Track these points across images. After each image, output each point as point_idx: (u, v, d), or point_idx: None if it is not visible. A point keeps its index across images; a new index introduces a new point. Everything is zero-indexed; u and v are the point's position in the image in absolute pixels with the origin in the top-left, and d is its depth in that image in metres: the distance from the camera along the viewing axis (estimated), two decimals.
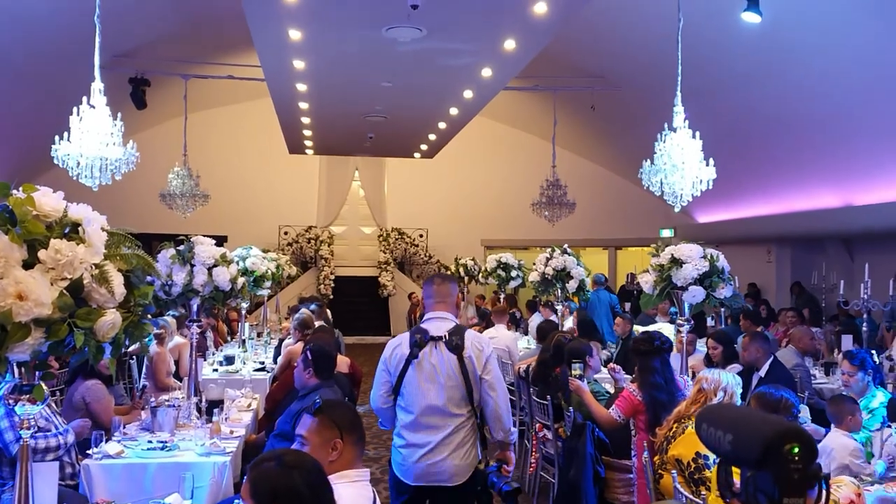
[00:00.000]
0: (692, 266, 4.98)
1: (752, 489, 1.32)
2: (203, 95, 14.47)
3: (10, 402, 2.28)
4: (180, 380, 6.62)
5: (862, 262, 9.15)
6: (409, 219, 18.13)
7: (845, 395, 4.41)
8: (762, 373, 5.63)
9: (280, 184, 17.46)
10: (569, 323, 9.04)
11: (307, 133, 13.03)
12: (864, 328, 7.37)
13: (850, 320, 9.17)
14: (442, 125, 11.99)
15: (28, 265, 2.10)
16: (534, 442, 5.78)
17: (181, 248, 4.98)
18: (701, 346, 7.19)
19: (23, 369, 2.25)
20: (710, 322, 9.35)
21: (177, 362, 7.00)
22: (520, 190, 16.09)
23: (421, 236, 18.36)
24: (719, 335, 6.53)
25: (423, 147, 14.27)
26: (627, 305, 12.04)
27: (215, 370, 7.36)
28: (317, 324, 7.17)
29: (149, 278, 2.48)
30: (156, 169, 13.09)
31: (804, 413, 4.59)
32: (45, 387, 2.35)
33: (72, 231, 2.21)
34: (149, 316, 2.49)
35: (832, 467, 3.84)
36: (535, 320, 10.08)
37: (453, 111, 10.89)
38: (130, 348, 2.43)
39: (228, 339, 10.02)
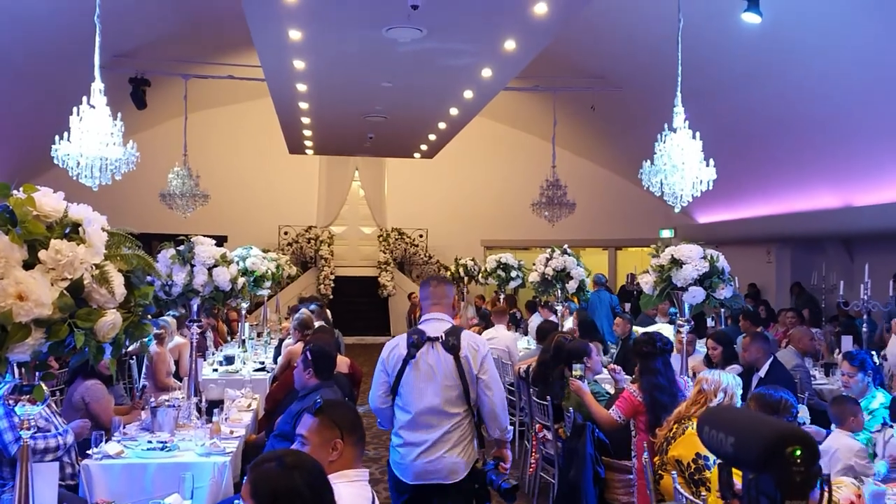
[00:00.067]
0: (692, 267, 4.98)
1: (754, 492, 1.32)
2: (203, 95, 14.47)
3: (11, 402, 2.28)
4: (180, 380, 6.62)
5: (862, 263, 9.15)
6: (409, 219, 18.14)
7: (848, 396, 4.40)
8: (762, 373, 5.63)
9: (280, 184, 17.46)
10: (569, 323, 9.03)
11: (307, 133, 13.03)
12: (864, 329, 7.37)
13: (849, 321, 9.16)
14: (442, 125, 11.99)
15: (28, 265, 2.10)
16: (534, 442, 5.78)
17: (181, 248, 4.98)
18: (701, 346, 7.19)
19: (23, 369, 2.25)
20: (710, 323, 9.35)
21: (177, 362, 7.00)
22: (520, 190, 16.08)
23: (421, 236, 18.36)
24: (719, 336, 6.53)
25: (423, 147, 14.27)
26: (627, 306, 12.04)
27: (215, 370, 7.36)
28: (316, 324, 7.17)
29: (149, 278, 2.48)
30: (156, 169, 13.09)
31: (803, 413, 4.59)
32: (45, 387, 2.35)
33: (72, 231, 2.21)
34: (149, 316, 2.49)
35: (836, 468, 3.83)
36: (534, 321, 10.08)
37: (453, 111, 10.89)
38: (130, 348, 2.42)
39: (228, 339, 10.02)
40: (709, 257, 5.06)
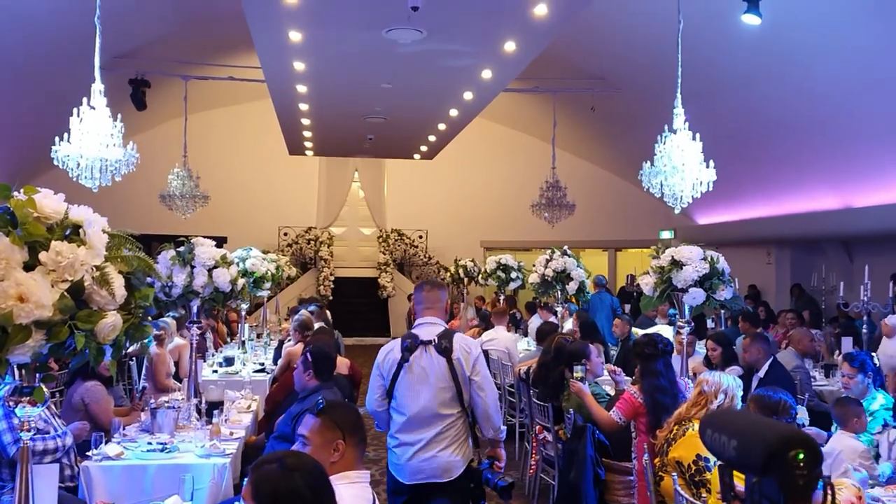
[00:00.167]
0: (692, 268, 4.98)
1: (757, 495, 1.32)
2: (203, 96, 14.47)
3: (11, 404, 2.28)
4: (180, 381, 6.61)
5: (861, 264, 9.15)
6: (409, 220, 18.13)
7: (850, 398, 4.40)
8: (761, 373, 5.63)
9: (280, 185, 17.46)
10: (568, 325, 9.03)
11: (307, 134, 13.03)
12: (864, 330, 7.36)
13: (849, 322, 9.16)
14: (442, 126, 12.00)
15: (29, 267, 2.10)
16: (534, 444, 5.78)
17: (181, 249, 4.98)
18: (700, 347, 7.19)
19: (23, 371, 2.25)
20: (710, 324, 9.35)
21: (176, 363, 6.99)
22: (519, 191, 16.08)
23: (420, 237, 18.36)
24: (719, 337, 6.53)
25: (423, 148, 14.28)
26: (627, 307, 12.04)
27: (215, 371, 7.36)
28: (316, 325, 7.17)
29: (149, 280, 2.48)
30: (156, 170, 13.09)
31: (802, 414, 4.59)
32: (45, 389, 2.34)
33: (73, 233, 2.21)
34: (149, 318, 2.48)
35: (840, 470, 3.83)
36: (534, 322, 10.08)
37: (453, 112, 10.90)
38: (130, 349, 2.42)
39: (228, 340, 10.01)
40: (709, 259, 5.06)
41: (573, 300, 9.84)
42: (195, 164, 13.39)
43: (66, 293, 2.11)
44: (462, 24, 7.22)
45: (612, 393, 5.19)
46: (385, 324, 17.21)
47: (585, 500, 4.48)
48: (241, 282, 5.49)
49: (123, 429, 4.65)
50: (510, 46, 7.78)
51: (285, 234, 17.73)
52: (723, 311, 8.89)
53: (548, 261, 8.20)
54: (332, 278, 17.31)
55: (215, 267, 5.00)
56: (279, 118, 11.80)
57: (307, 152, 15.20)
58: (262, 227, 16.94)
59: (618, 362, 7.33)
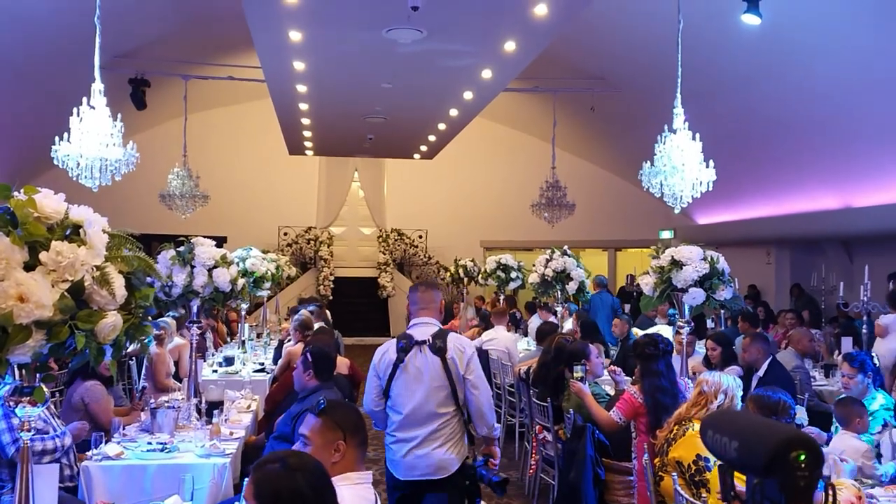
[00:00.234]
0: (692, 268, 4.98)
1: (758, 496, 1.32)
2: (203, 96, 14.47)
3: (11, 404, 2.28)
4: (180, 381, 6.61)
5: (861, 264, 9.15)
6: (409, 220, 18.13)
7: (852, 398, 4.41)
8: (761, 372, 5.64)
9: (280, 184, 17.46)
10: (568, 325, 9.03)
11: (307, 134, 13.03)
12: (864, 330, 7.36)
13: (849, 322, 9.15)
14: (442, 126, 12.00)
15: (29, 267, 2.10)
16: (534, 444, 5.77)
17: (181, 249, 4.98)
18: (700, 347, 7.19)
19: (23, 371, 2.25)
20: (710, 324, 9.35)
21: (176, 363, 6.99)
22: (519, 191, 16.09)
23: (420, 237, 18.36)
24: (718, 336, 6.53)
25: (423, 148, 14.27)
26: (627, 307, 12.04)
27: (215, 371, 7.35)
28: (316, 325, 7.17)
29: (149, 280, 2.48)
30: (155, 170, 13.08)
31: (801, 414, 4.59)
32: (45, 389, 2.34)
33: (73, 233, 2.21)
34: (149, 318, 2.48)
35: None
36: (534, 322, 10.08)
37: (453, 112, 10.89)
38: (130, 349, 2.42)
39: (228, 340, 10.01)
40: (709, 259, 5.05)
41: (573, 300, 9.83)
42: (195, 164, 13.38)
43: (66, 293, 2.11)
44: (462, 24, 7.22)
45: (612, 393, 5.19)
46: (385, 324, 17.21)
47: (585, 500, 4.48)
48: (241, 282, 5.49)
49: (123, 428, 4.65)
50: (510, 46, 7.77)
51: (285, 234, 17.73)
52: (722, 311, 8.88)
53: (548, 261, 8.20)
54: (331, 278, 17.31)
55: (215, 267, 5.00)
56: (279, 118, 11.80)
57: (307, 152, 15.20)
58: (261, 226, 16.94)
59: (617, 362, 7.32)
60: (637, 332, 7.88)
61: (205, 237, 5.21)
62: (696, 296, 5.00)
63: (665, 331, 7.01)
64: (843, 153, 10.59)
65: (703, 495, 3.38)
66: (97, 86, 6.19)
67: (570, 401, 4.98)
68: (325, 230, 18.03)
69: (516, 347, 8.37)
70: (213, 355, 8.24)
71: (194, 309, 5.16)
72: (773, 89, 10.40)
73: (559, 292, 8.28)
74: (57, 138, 6.42)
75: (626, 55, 11.62)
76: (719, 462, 1.56)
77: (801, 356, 6.90)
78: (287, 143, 14.05)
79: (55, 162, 6.48)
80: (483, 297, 14.86)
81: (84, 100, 6.14)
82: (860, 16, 8.27)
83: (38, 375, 2.28)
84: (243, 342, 8.36)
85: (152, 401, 4.93)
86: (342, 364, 5.72)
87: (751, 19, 7.87)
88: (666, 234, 16.20)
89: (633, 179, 8.46)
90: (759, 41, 9.20)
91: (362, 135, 12.73)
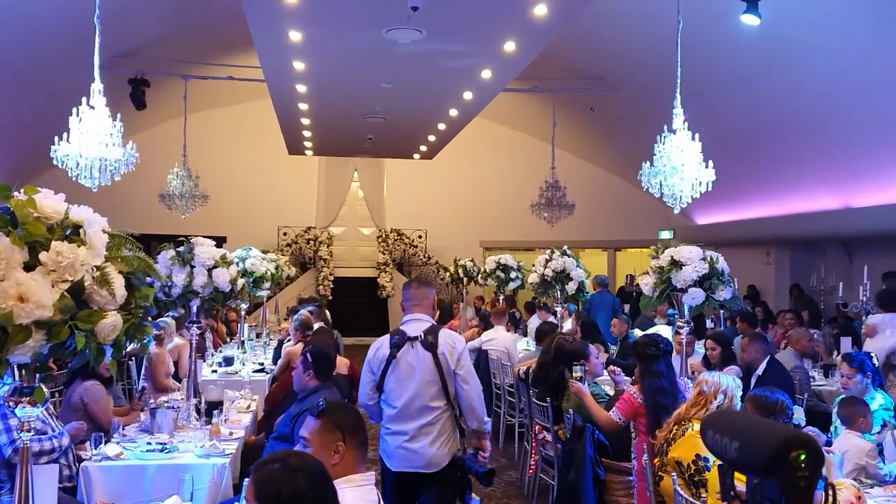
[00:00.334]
0: (692, 268, 4.98)
1: (759, 496, 1.32)
2: (203, 96, 14.46)
3: (11, 404, 2.27)
4: (179, 381, 6.61)
5: (861, 265, 9.16)
6: (408, 220, 18.13)
7: (856, 398, 4.42)
8: (759, 371, 5.64)
9: (279, 184, 17.45)
10: (568, 325, 9.03)
11: (307, 134, 13.02)
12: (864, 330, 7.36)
13: (848, 322, 9.15)
14: (441, 126, 12.00)
15: (29, 267, 2.10)
16: (533, 444, 5.78)
17: (181, 249, 4.98)
18: (699, 347, 7.19)
19: (23, 371, 2.25)
20: (709, 324, 9.35)
21: (176, 363, 6.99)
22: (519, 191, 16.09)
23: (420, 237, 18.36)
24: (717, 336, 6.54)
25: (423, 148, 14.27)
26: (626, 307, 12.04)
27: (214, 371, 7.35)
28: (315, 325, 7.17)
29: (149, 280, 2.47)
30: (155, 169, 13.07)
31: (798, 415, 4.60)
32: (45, 389, 2.34)
33: (73, 233, 2.21)
34: (149, 318, 2.48)
35: (847, 469, 3.84)
36: (533, 322, 10.08)
37: (453, 112, 10.89)
38: (129, 348, 2.42)
39: (227, 340, 10.01)
40: (708, 259, 5.05)
41: (573, 300, 9.83)
42: (195, 164, 13.38)
43: (66, 293, 2.11)
44: (462, 24, 7.22)
45: (612, 393, 5.19)
46: (384, 324, 17.19)
47: (585, 501, 4.48)
48: (240, 282, 5.49)
49: (123, 429, 4.65)
50: (510, 46, 7.78)
51: (285, 234, 17.73)
52: (722, 312, 8.88)
53: (547, 261, 8.20)
54: (331, 278, 17.31)
55: (215, 267, 5.00)
56: (279, 118, 11.80)
57: (307, 152, 15.19)
58: (261, 226, 16.93)
59: (615, 362, 7.32)
60: (638, 332, 7.88)
61: (204, 237, 5.21)
62: (695, 296, 5.00)
63: (665, 331, 7.02)
64: (843, 153, 10.59)
65: (703, 495, 3.39)
66: (97, 86, 6.19)
67: (570, 401, 4.98)
68: (325, 230, 18.02)
69: (516, 347, 8.37)
70: (212, 355, 8.23)
71: (194, 309, 5.16)
72: (772, 89, 10.40)
73: (559, 292, 8.28)
74: (56, 138, 6.41)
75: (626, 55, 11.62)
76: (718, 462, 1.56)
77: (801, 356, 6.90)
78: (287, 143, 14.05)
79: (55, 162, 6.48)
80: (483, 297, 14.86)
81: (84, 100, 6.13)
82: (860, 15, 8.27)
83: (37, 375, 2.28)
84: (243, 342, 8.36)
85: (152, 401, 4.93)
86: (342, 364, 5.72)
87: (750, 19, 7.87)
88: (665, 235, 16.20)
89: (632, 180, 8.46)
90: (759, 41, 9.20)
91: (362, 135, 12.72)
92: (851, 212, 11.09)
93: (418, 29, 7.14)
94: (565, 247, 8.31)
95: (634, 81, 12.40)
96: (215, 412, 4.99)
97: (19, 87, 10.87)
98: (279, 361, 6.95)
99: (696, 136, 6.54)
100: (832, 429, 4.68)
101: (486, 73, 8.79)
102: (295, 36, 7.53)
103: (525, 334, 10.37)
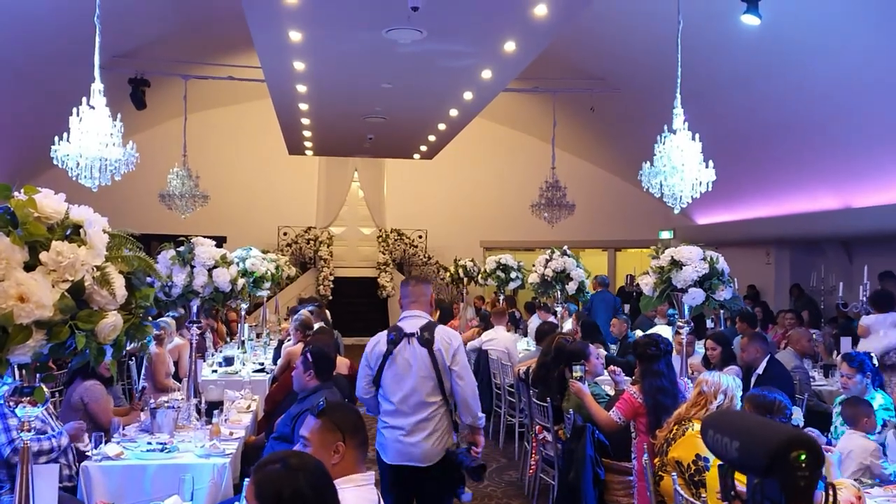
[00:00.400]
0: (692, 268, 4.98)
1: (759, 496, 1.32)
2: (203, 96, 14.46)
3: (11, 404, 2.27)
4: (180, 381, 6.61)
5: (861, 265, 9.16)
6: (409, 220, 18.14)
7: (859, 398, 4.43)
8: (759, 370, 5.64)
9: (279, 184, 17.46)
10: (568, 325, 9.03)
11: (307, 134, 13.02)
12: None
13: (848, 322, 9.15)
14: (441, 126, 12.00)
15: (29, 267, 2.09)
16: (533, 444, 5.78)
17: (181, 249, 4.98)
18: (700, 347, 7.19)
19: (23, 371, 2.25)
20: (709, 324, 9.35)
21: (176, 363, 6.99)
22: (519, 191, 16.09)
23: (420, 237, 18.36)
24: (717, 336, 6.54)
25: (423, 148, 14.27)
26: (626, 307, 12.04)
27: (214, 371, 7.35)
28: (316, 325, 7.17)
29: (149, 280, 2.48)
30: (155, 169, 13.07)
31: (797, 415, 4.60)
32: (45, 389, 2.34)
33: (73, 233, 2.21)
34: (150, 318, 2.48)
35: (851, 469, 3.85)
36: (533, 322, 10.08)
37: (453, 112, 10.89)
38: (129, 347, 2.42)
39: (228, 340, 10.01)
40: (708, 259, 5.06)
41: (573, 300, 9.83)
42: (195, 164, 13.38)
43: (66, 293, 2.11)
44: (462, 24, 7.22)
45: (612, 393, 5.19)
46: (385, 324, 17.12)
47: (585, 501, 4.48)
48: (240, 282, 5.49)
49: (123, 429, 4.65)
50: (510, 46, 7.78)
51: (285, 234, 17.73)
52: (722, 312, 8.88)
53: (547, 261, 8.20)
54: (331, 278, 17.31)
55: (215, 267, 5.00)
56: (279, 118, 11.80)
57: (307, 152, 15.19)
58: (261, 226, 16.94)
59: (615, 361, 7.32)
60: (638, 333, 7.88)
61: (205, 237, 5.21)
62: (695, 296, 5.00)
63: (665, 331, 7.02)
64: (843, 153, 10.59)
65: (703, 495, 3.39)
66: (97, 86, 6.19)
67: (570, 401, 4.98)
68: (325, 230, 18.03)
69: (516, 347, 8.37)
70: (212, 355, 8.24)
71: (194, 309, 5.16)
72: (772, 89, 10.39)
73: (559, 292, 8.28)
74: (56, 138, 6.41)
75: (626, 55, 11.62)
76: (718, 462, 1.56)
77: (801, 356, 6.90)
78: (287, 143, 14.05)
79: (55, 162, 6.48)
80: (483, 297, 14.86)
81: (84, 100, 6.13)
82: (860, 16, 8.27)
83: (38, 375, 2.28)
84: (243, 342, 8.35)
85: (152, 401, 4.93)
86: (342, 364, 5.73)
87: (750, 20, 7.87)
88: (665, 235, 16.20)
89: (632, 180, 8.46)
90: (759, 41, 9.20)
91: (362, 135, 12.72)
92: (851, 212, 11.09)
93: (418, 29, 7.14)
94: (565, 247, 8.31)
95: (634, 81, 12.40)
96: (215, 412, 4.99)
97: (19, 87, 10.87)
98: (279, 361, 6.95)
99: (697, 136, 6.54)
100: (832, 429, 4.69)
101: (486, 74, 8.80)
102: (295, 36, 7.54)
103: (525, 334, 10.37)
